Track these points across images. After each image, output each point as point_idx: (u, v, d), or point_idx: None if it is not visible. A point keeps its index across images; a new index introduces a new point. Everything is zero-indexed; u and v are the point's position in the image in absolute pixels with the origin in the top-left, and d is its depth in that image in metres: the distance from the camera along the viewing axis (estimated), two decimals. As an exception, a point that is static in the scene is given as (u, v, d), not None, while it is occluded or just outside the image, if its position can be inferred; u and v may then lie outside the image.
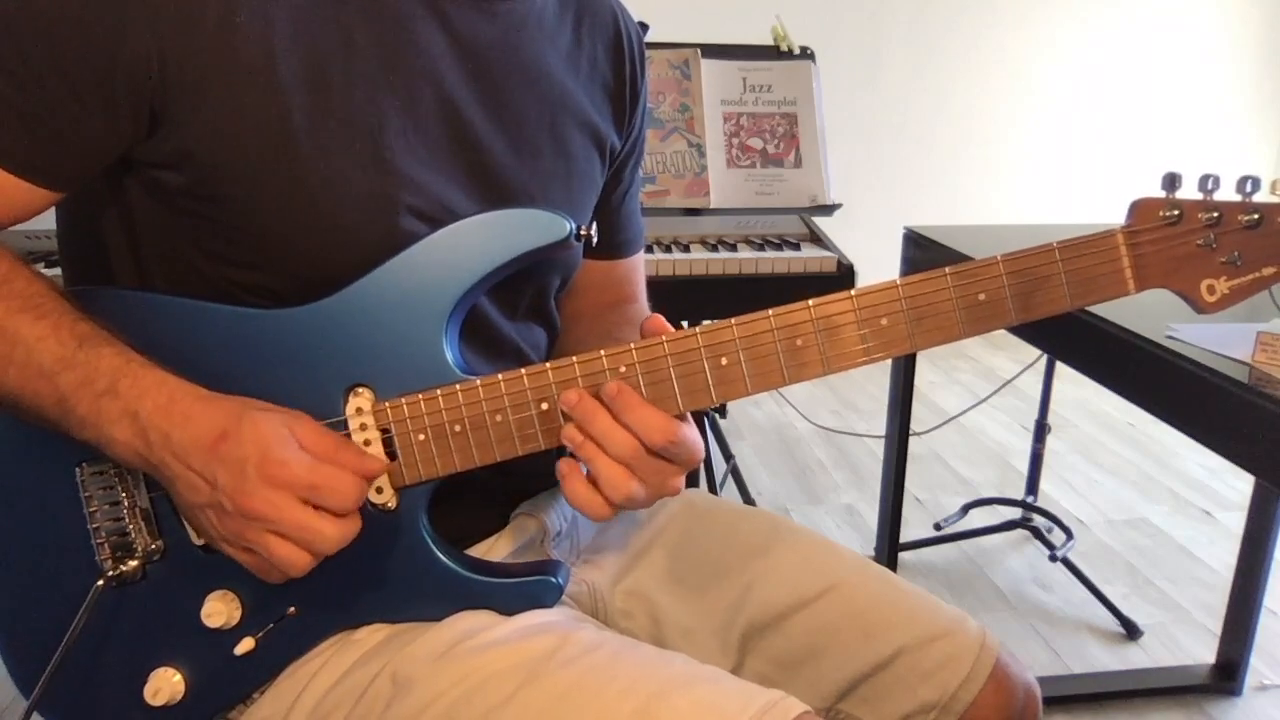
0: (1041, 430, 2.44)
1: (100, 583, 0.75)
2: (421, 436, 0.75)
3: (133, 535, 0.77)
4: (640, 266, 1.06)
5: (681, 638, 0.90)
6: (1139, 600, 2.26)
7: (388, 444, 0.75)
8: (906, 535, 2.37)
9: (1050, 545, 2.37)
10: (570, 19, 0.92)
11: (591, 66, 0.93)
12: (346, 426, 0.75)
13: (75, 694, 0.79)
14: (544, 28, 0.88)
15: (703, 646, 0.90)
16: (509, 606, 0.78)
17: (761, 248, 1.88)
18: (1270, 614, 2.16)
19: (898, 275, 0.76)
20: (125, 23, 0.68)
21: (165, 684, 0.77)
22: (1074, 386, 3.28)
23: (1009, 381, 2.82)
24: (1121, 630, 2.13)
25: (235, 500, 0.66)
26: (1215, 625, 2.05)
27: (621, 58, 0.96)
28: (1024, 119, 4.12)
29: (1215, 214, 0.73)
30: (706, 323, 0.74)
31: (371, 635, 0.79)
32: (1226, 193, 0.74)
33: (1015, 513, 2.54)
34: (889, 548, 2.11)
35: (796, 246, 1.91)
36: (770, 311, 0.74)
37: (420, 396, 0.75)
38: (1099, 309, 1.24)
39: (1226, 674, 1.96)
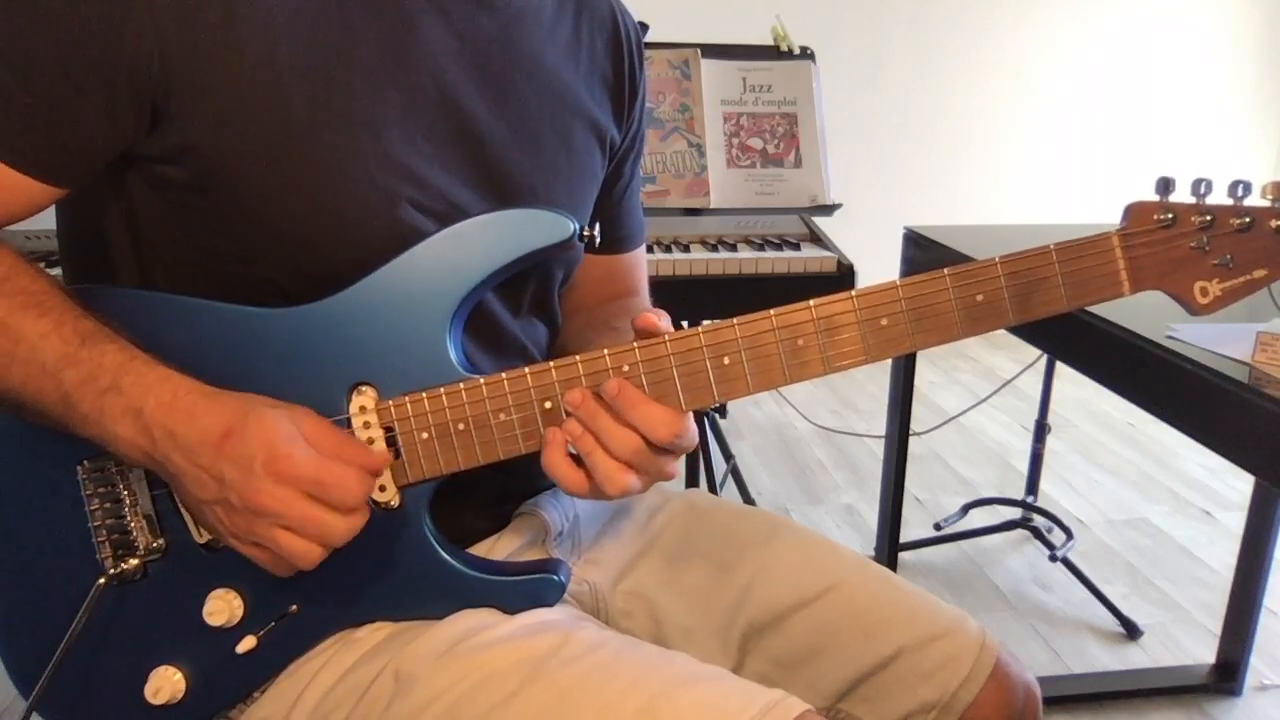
0: (1041, 430, 2.44)
1: (101, 581, 0.75)
2: (425, 435, 0.75)
3: (134, 533, 0.77)
4: (642, 261, 1.06)
5: (682, 637, 0.90)
6: (1139, 600, 2.26)
7: (391, 442, 0.75)
8: (906, 535, 2.37)
9: (1050, 545, 2.38)
10: (569, 14, 0.92)
11: (590, 61, 0.94)
12: (350, 424, 0.75)
13: (75, 693, 0.79)
14: (543, 22, 0.89)
15: (703, 646, 0.90)
16: (511, 605, 0.78)
17: (761, 248, 1.88)
18: (1270, 614, 2.16)
19: (898, 275, 0.77)
20: (127, 19, 0.68)
21: (166, 683, 0.77)
22: (1074, 386, 3.29)
23: (1009, 381, 2.82)
24: (1121, 630, 2.13)
25: (243, 496, 0.66)
26: (1215, 625, 2.06)
27: (620, 52, 0.96)
28: (1024, 119, 4.12)
29: (1208, 217, 0.74)
30: (708, 322, 0.75)
31: (373, 633, 0.79)
32: (1219, 196, 0.75)
33: (1015, 513, 2.55)
34: (889, 548, 2.11)
35: (796, 246, 1.91)
36: (772, 311, 0.75)
37: (424, 395, 0.75)
38: (1099, 309, 1.24)
39: (1226, 674, 1.96)
